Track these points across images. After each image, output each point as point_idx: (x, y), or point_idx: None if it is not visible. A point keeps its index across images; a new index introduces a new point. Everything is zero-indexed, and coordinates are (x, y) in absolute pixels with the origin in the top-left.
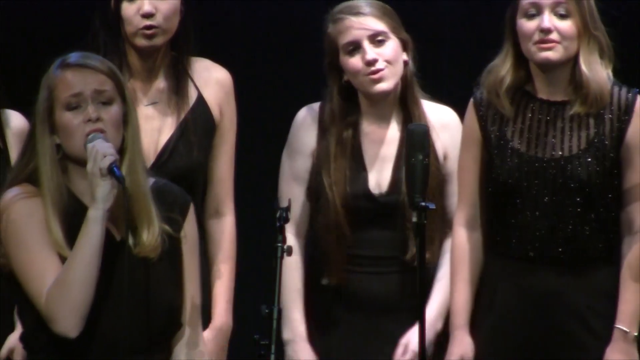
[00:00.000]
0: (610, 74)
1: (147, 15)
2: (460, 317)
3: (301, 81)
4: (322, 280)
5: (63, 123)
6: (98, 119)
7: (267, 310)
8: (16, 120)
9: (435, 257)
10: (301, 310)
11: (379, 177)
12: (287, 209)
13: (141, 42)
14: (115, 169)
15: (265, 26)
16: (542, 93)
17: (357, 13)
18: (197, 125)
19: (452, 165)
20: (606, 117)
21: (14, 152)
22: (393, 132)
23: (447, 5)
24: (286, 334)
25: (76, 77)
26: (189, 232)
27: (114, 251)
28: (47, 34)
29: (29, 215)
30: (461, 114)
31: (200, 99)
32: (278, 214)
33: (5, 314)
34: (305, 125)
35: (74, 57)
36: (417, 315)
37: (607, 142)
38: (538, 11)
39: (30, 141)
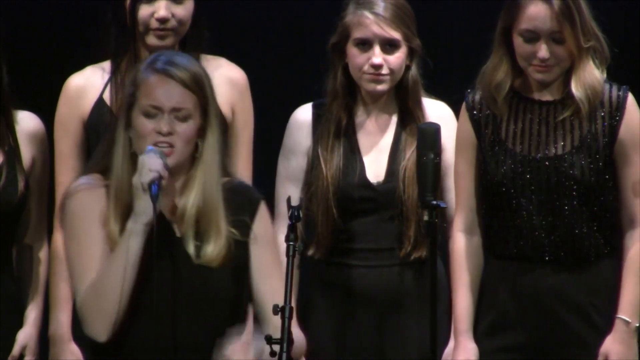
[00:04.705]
0: (604, 74)
1: (162, 20)
2: (463, 322)
3: (309, 80)
4: (308, 251)
5: (137, 125)
6: (169, 133)
7: (278, 309)
8: (29, 122)
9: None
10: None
11: (376, 167)
12: (300, 207)
13: (153, 40)
14: (154, 186)
15: (270, 25)
16: (534, 93)
17: (377, 14)
18: None
19: (449, 158)
20: (598, 114)
21: (25, 153)
22: (388, 123)
23: (451, 3)
24: None
25: (159, 88)
26: (259, 232)
27: (172, 247)
28: (60, 36)
29: (88, 209)
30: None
31: None
32: (290, 213)
33: (13, 314)
34: (299, 125)
35: (163, 60)
36: (430, 312)
37: (599, 140)
38: (535, 37)
39: (111, 129)
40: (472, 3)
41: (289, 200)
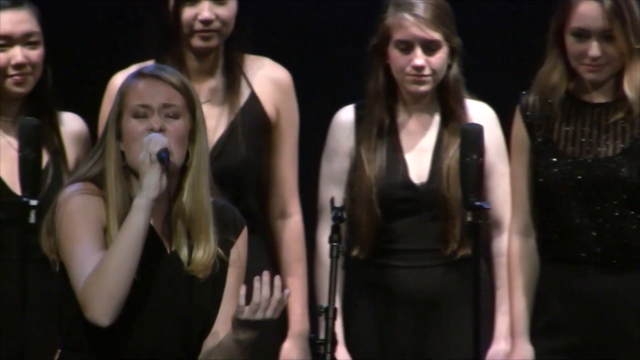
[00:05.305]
0: None
1: (206, 22)
2: (519, 324)
3: (350, 81)
4: (352, 252)
5: (127, 129)
6: (161, 130)
7: (322, 309)
8: (74, 123)
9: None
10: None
11: (419, 167)
12: (343, 208)
13: (198, 42)
14: (164, 155)
15: (311, 25)
16: (586, 95)
17: (417, 15)
18: (247, 124)
19: (490, 159)
20: None
21: (70, 154)
22: (430, 123)
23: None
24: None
25: (147, 88)
26: (241, 253)
27: (163, 263)
28: (105, 38)
29: (85, 210)
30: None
31: (253, 97)
32: (334, 214)
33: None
34: (342, 126)
35: (149, 67)
36: (474, 313)
37: None
38: (586, 35)
39: (100, 144)
40: (511, 3)
41: (332, 201)
